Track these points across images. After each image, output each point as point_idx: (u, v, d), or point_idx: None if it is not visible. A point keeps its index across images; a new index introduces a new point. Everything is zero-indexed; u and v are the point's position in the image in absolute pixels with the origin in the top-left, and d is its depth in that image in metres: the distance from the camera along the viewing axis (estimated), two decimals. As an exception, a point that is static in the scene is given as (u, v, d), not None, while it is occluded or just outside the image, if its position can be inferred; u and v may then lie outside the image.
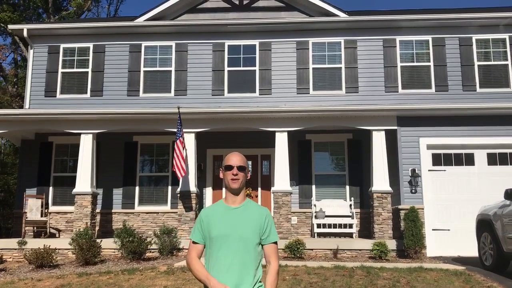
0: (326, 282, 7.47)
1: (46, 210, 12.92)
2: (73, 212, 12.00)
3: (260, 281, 2.76)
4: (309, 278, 7.74)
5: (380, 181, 11.37)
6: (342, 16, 14.03)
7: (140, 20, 14.38)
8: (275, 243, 2.82)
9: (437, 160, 11.63)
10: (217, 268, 2.69)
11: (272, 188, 11.77)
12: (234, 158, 2.84)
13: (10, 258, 10.86)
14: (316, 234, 12.09)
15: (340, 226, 12.08)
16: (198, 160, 12.32)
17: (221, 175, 2.89)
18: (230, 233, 2.71)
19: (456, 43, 13.63)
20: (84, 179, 11.77)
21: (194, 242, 2.84)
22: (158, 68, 14.12)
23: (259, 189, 13.39)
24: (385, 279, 7.74)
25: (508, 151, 11.54)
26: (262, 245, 2.79)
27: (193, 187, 11.69)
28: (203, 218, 2.83)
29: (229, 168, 2.81)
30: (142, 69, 14.06)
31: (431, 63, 13.56)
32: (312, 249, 10.73)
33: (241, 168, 2.81)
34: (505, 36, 13.58)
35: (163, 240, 10.64)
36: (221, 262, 2.69)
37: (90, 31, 14.38)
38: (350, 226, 12.12)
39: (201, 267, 2.74)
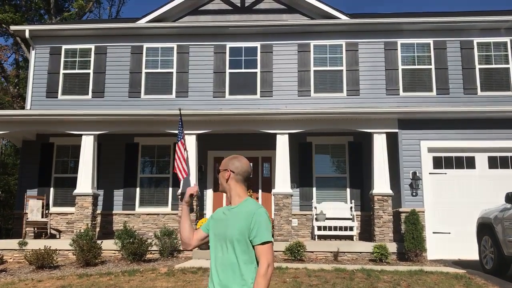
0: (326, 284, 7.47)
1: (46, 211, 12.92)
2: (73, 213, 12.01)
3: (252, 282, 2.67)
4: (309, 280, 7.74)
5: (381, 183, 11.37)
6: (344, 18, 14.04)
7: (142, 22, 14.41)
8: (264, 243, 2.68)
9: (438, 163, 11.63)
10: (211, 266, 2.79)
11: (273, 190, 11.77)
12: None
13: (11, 258, 10.87)
14: (316, 237, 12.09)
15: (340, 228, 12.07)
16: (199, 162, 12.33)
17: None
18: (221, 233, 2.76)
19: (457, 46, 13.64)
20: (85, 180, 11.77)
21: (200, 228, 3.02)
22: (159, 70, 14.14)
23: (260, 191, 13.40)
24: (385, 282, 7.74)
25: (509, 154, 11.53)
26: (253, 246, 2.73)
27: (194, 189, 11.66)
28: (211, 218, 2.97)
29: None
30: (144, 70, 14.09)
31: (433, 66, 13.57)
32: (312, 252, 10.73)
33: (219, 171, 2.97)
34: (507, 39, 13.59)
35: (164, 242, 10.64)
36: (213, 261, 2.78)
37: (92, 33, 14.41)
38: (351, 228, 12.11)
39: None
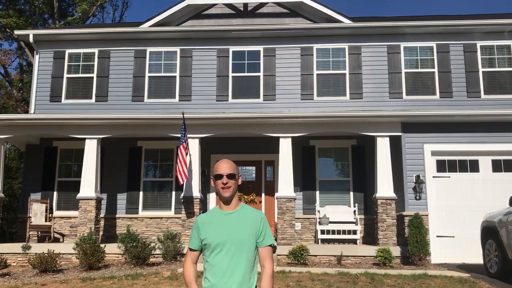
0: (330, 288, 7.45)
1: (50, 215, 12.95)
2: (77, 217, 12.01)
3: (255, 285, 2.78)
4: (313, 284, 7.72)
5: (384, 187, 11.34)
6: (347, 22, 14.06)
7: (145, 26, 14.46)
8: (270, 246, 2.83)
9: (442, 166, 11.60)
10: (213, 273, 2.72)
11: (276, 194, 11.75)
12: (223, 166, 2.82)
13: (14, 262, 10.89)
14: (320, 240, 12.07)
15: (344, 232, 12.04)
16: (202, 165, 12.33)
17: (212, 183, 2.89)
18: (227, 238, 2.73)
19: (460, 49, 13.63)
20: (89, 184, 11.79)
21: (190, 249, 2.88)
22: (162, 74, 14.17)
23: (263, 194, 13.39)
24: (389, 286, 7.72)
25: (513, 157, 11.50)
26: (257, 248, 2.80)
27: (196, 193, 11.69)
28: (199, 225, 2.84)
29: (219, 177, 2.80)
30: (147, 74, 14.11)
31: (436, 69, 13.55)
32: (316, 255, 10.71)
33: (230, 176, 2.80)
34: (510, 42, 13.57)
35: (167, 245, 10.64)
36: (217, 267, 2.72)
37: (95, 37, 14.46)
38: (354, 232, 12.08)
39: (189, 272, 2.82)
